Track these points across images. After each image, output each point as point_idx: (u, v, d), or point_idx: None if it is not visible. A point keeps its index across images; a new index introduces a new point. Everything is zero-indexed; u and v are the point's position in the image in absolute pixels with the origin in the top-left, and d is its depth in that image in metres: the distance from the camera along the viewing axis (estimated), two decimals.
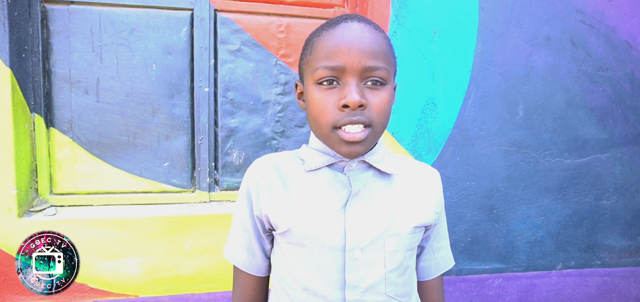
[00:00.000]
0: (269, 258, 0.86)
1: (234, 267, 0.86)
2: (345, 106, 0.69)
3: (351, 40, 0.70)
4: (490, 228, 1.70)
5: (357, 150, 0.72)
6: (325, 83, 0.72)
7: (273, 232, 0.81)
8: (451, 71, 1.58)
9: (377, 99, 0.72)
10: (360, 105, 0.69)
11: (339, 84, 0.72)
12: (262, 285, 0.87)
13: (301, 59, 0.80)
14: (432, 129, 1.59)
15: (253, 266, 0.84)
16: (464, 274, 1.70)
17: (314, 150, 0.80)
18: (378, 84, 0.72)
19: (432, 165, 1.60)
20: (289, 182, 0.79)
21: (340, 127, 0.71)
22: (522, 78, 1.65)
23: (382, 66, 0.72)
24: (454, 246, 1.67)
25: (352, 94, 0.69)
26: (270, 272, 0.87)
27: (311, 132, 0.84)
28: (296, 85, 0.83)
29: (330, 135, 0.72)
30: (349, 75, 0.70)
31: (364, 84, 0.72)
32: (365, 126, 0.71)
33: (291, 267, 0.77)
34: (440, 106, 1.59)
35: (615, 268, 1.85)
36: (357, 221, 0.75)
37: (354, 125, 0.70)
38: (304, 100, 0.81)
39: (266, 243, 0.84)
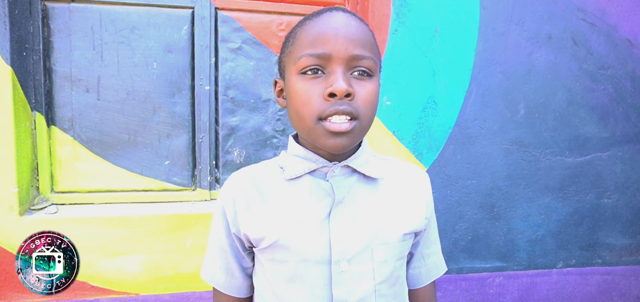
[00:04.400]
0: (249, 277, 0.81)
1: (214, 288, 0.81)
2: (332, 95, 0.65)
3: (337, 28, 0.66)
4: (491, 226, 1.70)
5: (342, 142, 0.67)
6: (309, 72, 0.67)
7: (253, 249, 0.77)
8: (452, 69, 1.58)
9: (364, 90, 0.68)
10: (348, 95, 0.65)
11: (324, 73, 0.67)
12: None
13: (282, 52, 0.76)
14: (433, 127, 1.59)
15: (232, 287, 0.79)
16: (464, 272, 1.70)
17: (294, 156, 0.75)
18: (365, 74, 0.68)
19: (432, 163, 1.60)
20: (268, 194, 0.74)
21: (325, 119, 0.66)
22: (523, 76, 1.65)
23: (369, 56, 0.68)
24: (454, 245, 1.67)
25: (339, 82, 0.64)
26: (251, 292, 0.82)
27: (290, 138, 0.79)
28: (275, 83, 0.78)
29: (315, 127, 0.67)
30: (335, 64, 0.66)
31: (351, 74, 0.67)
32: (352, 118, 0.67)
33: (274, 285, 0.73)
34: (441, 104, 1.59)
35: (616, 267, 1.85)
36: (342, 231, 0.70)
37: (340, 116, 0.66)
38: (284, 98, 0.76)
39: (246, 261, 0.79)
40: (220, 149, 1.59)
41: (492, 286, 1.74)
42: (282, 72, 0.76)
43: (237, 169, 1.59)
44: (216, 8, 1.52)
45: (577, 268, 1.81)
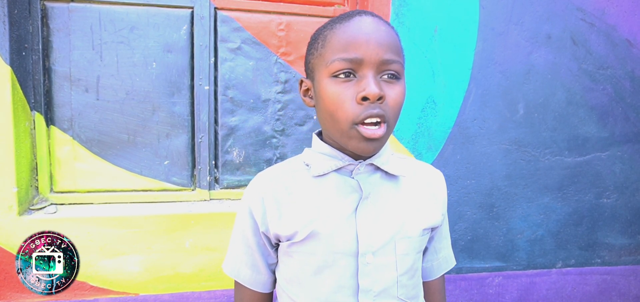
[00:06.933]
0: (273, 272, 0.84)
1: (236, 283, 0.84)
2: (365, 99, 0.68)
3: (369, 33, 0.70)
4: (491, 226, 1.70)
5: (374, 147, 0.71)
6: (341, 75, 0.70)
7: (280, 243, 0.79)
8: (451, 69, 1.58)
9: (393, 92, 0.71)
10: (379, 98, 0.68)
11: (355, 76, 0.70)
12: (267, 301, 0.85)
13: (310, 54, 0.78)
14: (433, 127, 1.59)
15: (258, 283, 0.82)
16: (464, 272, 1.70)
17: (321, 154, 0.78)
18: (393, 77, 0.72)
19: (432, 163, 1.60)
20: (296, 192, 0.77)
21: (359, 123, 0.70)
22: (522, 76, 1.65)
23: (397, 60, 0.72)
24: (454, 245, 1.67)
25: (371, 86, 0.67)
26: (274, 287, 0.85)
27: (314, 136, 0.82)
28: (301, 83, 0.81)
29: (349, 131, 0.70)
30: (366, 68, 0.69)
31: (380, 77, 0.71)
32: (382, 121, 0.71)
33: (301, 277, 0.76)
34: (440, 104, 1.59)
35: (615, 266, 1.85)
36: (368, 225, 0.74)
37: (373, 119, 0.69)
38: (310, 97, 0.79)
39: (272, 257, 0.82)
40: (219, 149, 1.59)
41: (491, 286, 1.74)
42: (310, 73, 0.78)
43: (237, 169, 1.60)
44: (215, 8, 1.52)
45: (577, 268, 1.81)
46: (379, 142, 0.71)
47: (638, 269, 1.88)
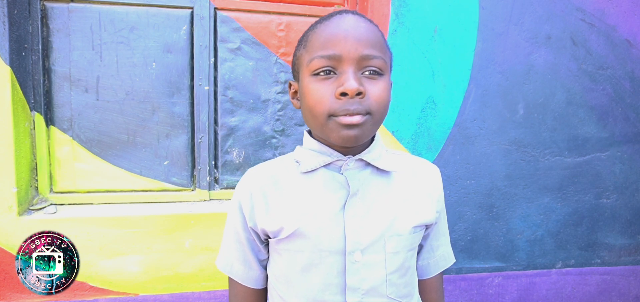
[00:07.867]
0: (265, 269, 0.84)
1: (230, 279, 0.84)
2: (343, 94, 0.68)
3: (347, 29, 0.69)
4: (490, 227, 1.70)
5: (354, 134, 0.69)
6: (321, 73, 0.70)
7: (269, 239, 0.79)
8: (451, 70, 1.58)
9: (375, 87, 0.70)
10: (359, 93, 0.67)
11: (335, 74, 0.70)
12: (260, 298, 0.85)
13: (295, 56, 0.79)
14: (432, 127, 1.59)
15: (250, 278, 0.82)
16: (463, 272, 1.70)
17: (310, 150, 0.78)
18: (375, 74, 0.71)
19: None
20: (285, 188, 0.77)
21: (337, 116, 0.69)
22: (522, 76, 1.65)
23: (378, 55, 0.70)
24: (454, 245, 1.67)
25: (350, 81, 0.67)
26: (266, 284, 0.85)
27: (305, 133, 0.82)
28: (290, 85, 0.81)
29: (327, 122, 0.70)
30: (346, 64, 0.69)
31: (361, 73, 0.70)
32: (364, 115, 0.70)
33: (289, 274, 0.76)
34: (440, 105, 1.59)
35: (615, 267, 1.85)
36: (356, 222, 0.73)
37: (353, 117, 0.68)
38: (298, 99, 0.79)
39: (263, 253, 0.82)
40: (219, 149, 1.59)
41: (491, 286, 1.74)
42: (296, 75, 0.79)
43: (237, 169, 1.60)
44: (215, 8, 1.52)
45: (576, 268, 1.81)
46: (360, 129, 0.69)
47: (638, 269, 1.88)
